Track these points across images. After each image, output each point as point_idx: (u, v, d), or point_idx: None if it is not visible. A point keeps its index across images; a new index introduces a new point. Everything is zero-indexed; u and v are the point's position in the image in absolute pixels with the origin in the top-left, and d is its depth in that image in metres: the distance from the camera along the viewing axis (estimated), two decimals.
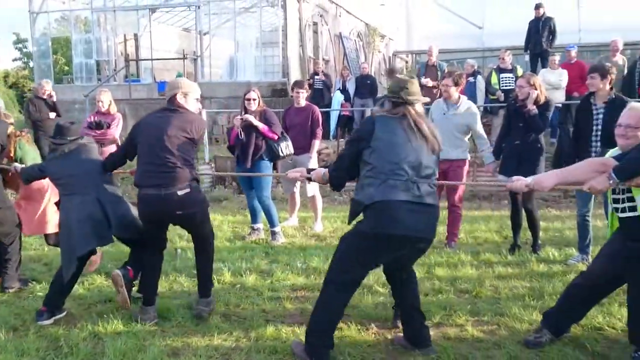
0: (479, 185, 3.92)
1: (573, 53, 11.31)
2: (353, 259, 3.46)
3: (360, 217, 3.45)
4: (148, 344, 3.79)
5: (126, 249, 4.72)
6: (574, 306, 3.69)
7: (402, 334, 3.79)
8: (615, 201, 3.49)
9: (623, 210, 3.45)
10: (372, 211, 3.32)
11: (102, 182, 4.28)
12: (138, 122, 4.31)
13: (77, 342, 3.84)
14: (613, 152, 3.64)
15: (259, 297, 4.72)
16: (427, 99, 3.74)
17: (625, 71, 10.13)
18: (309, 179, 4.08)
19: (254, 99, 6.42)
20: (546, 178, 3.47)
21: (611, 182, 3.21)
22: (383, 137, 3.35)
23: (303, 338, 3.68)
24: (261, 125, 6.33)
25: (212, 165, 10.90)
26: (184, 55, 16.52)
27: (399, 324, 3.90)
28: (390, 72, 14.21)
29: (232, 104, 13.57)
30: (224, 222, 7.72)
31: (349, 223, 3.54)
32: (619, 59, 10.38)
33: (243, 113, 6.41)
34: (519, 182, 3.53)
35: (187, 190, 4.02)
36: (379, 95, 13.96)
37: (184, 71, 16.56)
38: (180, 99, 4.18)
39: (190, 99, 4.23)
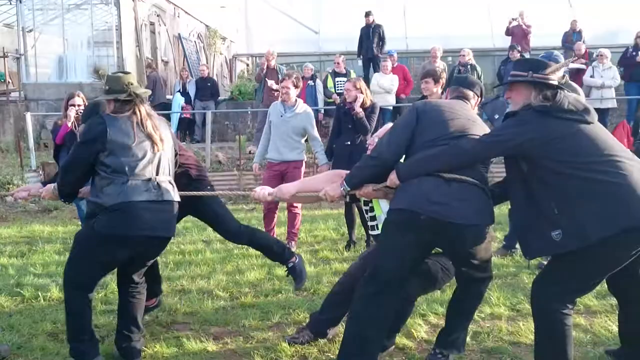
0: (222, 195, 4.08)
1: (395, 56, 12.17)
2: (89, 260, 3.35)
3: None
4: None
5: None
6: None
7: None
8: (369, 214, 3.73)
9: (373, 228, 3.72)
10: (112, 213, 3.24)
11: None
12: None
13: None
14: None
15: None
16: (149, 92, 3.67)
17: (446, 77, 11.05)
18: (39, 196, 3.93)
19: (79, 105, 6.04)
20: (287, 187, 3.72)
21: (342, 189, 3.37)
22: (116, 138, 3.28)
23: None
24: None
25: (41, 172, 10.08)
26: (4, 54, 15.09)
27: None
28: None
29: None
30: (54, 233, 7.20)
31: (87, 224, 3.45)
32: (440, 64, 11.28)
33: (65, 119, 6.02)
34: (262, 191, 3.76)
35: None
36: (220, 97, 13.91)
37: (6, 71, 15.12)
38: None
39: None
